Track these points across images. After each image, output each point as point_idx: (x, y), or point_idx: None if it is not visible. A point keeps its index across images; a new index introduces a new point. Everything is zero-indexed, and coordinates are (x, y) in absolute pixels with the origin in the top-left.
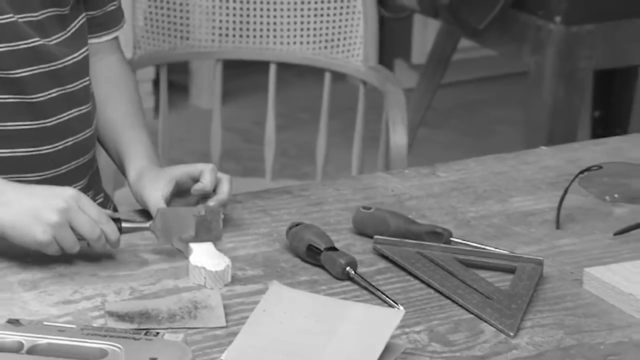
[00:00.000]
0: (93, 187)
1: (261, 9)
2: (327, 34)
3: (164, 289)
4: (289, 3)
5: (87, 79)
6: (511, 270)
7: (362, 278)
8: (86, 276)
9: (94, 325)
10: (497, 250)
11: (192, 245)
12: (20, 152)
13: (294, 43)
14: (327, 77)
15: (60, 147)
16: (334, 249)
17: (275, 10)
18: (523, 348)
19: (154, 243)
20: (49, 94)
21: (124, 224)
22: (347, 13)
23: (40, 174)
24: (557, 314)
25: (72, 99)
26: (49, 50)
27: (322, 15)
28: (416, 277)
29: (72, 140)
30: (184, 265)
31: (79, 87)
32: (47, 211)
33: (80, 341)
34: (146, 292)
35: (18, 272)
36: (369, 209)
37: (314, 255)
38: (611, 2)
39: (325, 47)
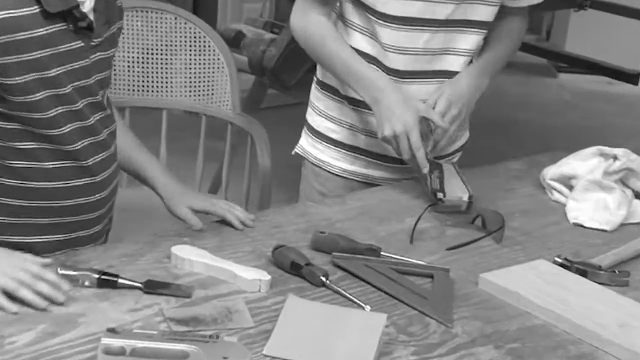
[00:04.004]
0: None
1: (158, 71)
2: (205, 90)
3: (198, 297)
4: (178, 67)
5: (115, 141)
6: (430, 276)
7: (335, 286)
8: (137, 290)
9: (161, 329)
10: (416, 261)
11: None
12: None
13: (181, 95)
14: (204, 119)
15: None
16: (310, 264)
17: (168, 72)
18: (461, 336)
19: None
20: (97, 158)
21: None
22: (220, 75)
23: None
24: (470, 308)
25: (112, 159)
26: (95, 126)
27: (201, 76)
28: (369, 283)
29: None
30: (206, 279)
31: (113, 148)
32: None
33: (167, 344)
34: (187, 300)
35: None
36: (324, 232)
37: (297, 269)
38: None
39: (203, 99)
